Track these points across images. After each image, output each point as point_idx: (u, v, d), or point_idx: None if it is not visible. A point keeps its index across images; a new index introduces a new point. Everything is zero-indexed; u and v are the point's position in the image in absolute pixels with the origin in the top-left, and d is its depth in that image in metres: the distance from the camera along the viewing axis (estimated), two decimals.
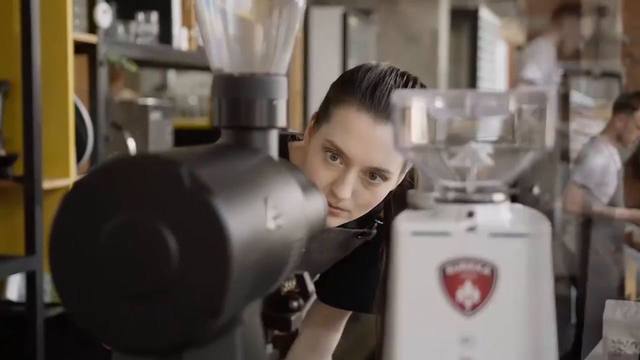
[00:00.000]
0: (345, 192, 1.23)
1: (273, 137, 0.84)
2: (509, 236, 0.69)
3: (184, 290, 0.62)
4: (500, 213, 0.71)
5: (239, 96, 0.82)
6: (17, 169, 2.41)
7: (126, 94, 4.08)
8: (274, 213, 0.72)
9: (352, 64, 5.67)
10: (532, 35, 9.93)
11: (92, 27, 2.68)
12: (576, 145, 4.37)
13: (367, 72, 1.27)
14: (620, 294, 4.25)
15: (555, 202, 4.54)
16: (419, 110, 0.73)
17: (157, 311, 0.62)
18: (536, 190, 4.44)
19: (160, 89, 5.39)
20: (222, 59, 0.84)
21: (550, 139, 0.71)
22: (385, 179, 1.25)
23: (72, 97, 2.52)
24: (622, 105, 4.14)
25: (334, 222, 1.28)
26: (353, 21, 4.78)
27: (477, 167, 0.73)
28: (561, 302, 4.71)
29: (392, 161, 1.24)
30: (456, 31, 7.03)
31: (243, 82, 0.83)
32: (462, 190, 0.72)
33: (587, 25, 9.43)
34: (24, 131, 2.37)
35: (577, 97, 4.69)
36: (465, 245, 0.69)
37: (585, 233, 4.25)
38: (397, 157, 1.24)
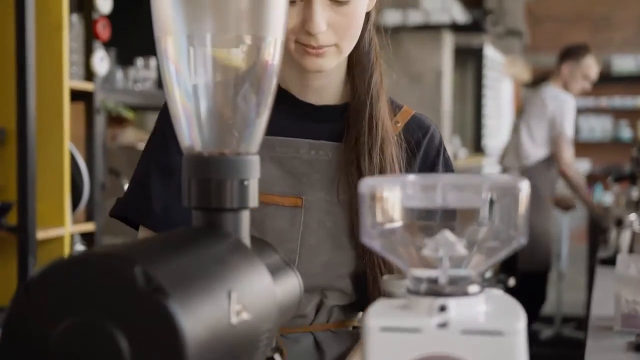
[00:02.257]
0: (317, 25, 1.13)
1: (245, 218, 0.81)
2: (482, 334, 0.66)
3: None
4: (474, 307, 0.68)
5: (209, 177, 0.80)
6: (11, 218, 2.39)
7: (131, 134, 4.07)
8: (239, 307, 0.69)
9: None
10: (537, 72, 9.97)
11: (90, 75, 2.67)
12: None
13: None
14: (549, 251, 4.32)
15: None
16: (388, 198, 0.70)
17: None
18: None
19: None
20: (192, 137, 0.82)
21: (523, 230, 0.68)
22: None
23: (67, 145, 2.51)
24: (568, 54, 4.26)
25: (326, 63, 1.18)
26: None
27: (450, 257, 0.70)
28: None
29: None
30: (461, 69, 7.03)
31: (213, 162, 0.80)
32: (435, 280, 0.70)
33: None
34: (18, 180, 2.36)
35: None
36: (436, 343, 0.66)
37: (530, 177, 4.33)
38: None
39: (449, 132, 5.94)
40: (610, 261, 2.78)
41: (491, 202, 0.69)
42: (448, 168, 1.27)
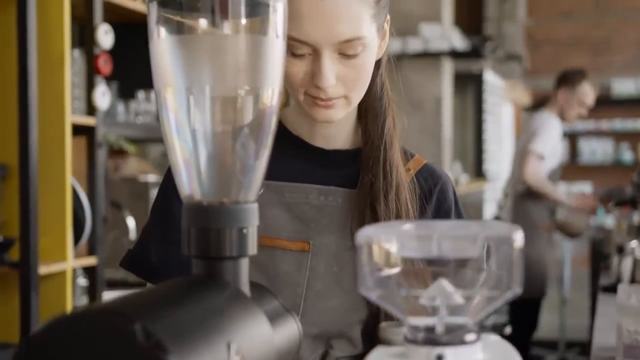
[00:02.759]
0: (326, 79, 1.12)
1: (244, 266, 0.82)
2: None
3: None
4: (471, 355, 0.69)
5: (209, 226, 0.81)
6: (13, 253, 2.40)
7: (133, 165, 4.09)
8: (237, 358, 0.70)
9: None
10: (537, 96, 10.01)
11: (91, 109, 2.69)
12: None
13: None
14: (544, 278, 4.30)
15: None
16: (385, 248, 0.71)
17: None
18: None
19: (167, 156, 5.41)
20: (191, 186, 0.83)
21: (519, 279, 0.69)
22: (362, 46, 1.13)
23: (69, 180, 2.52)
24: (564, 80, 4.27)
25: (335, 114, 1.17)
26: None
27: (446, 306, 0.71)
28: None
29: (359, 25, 1.12)
30: (461, 94, 7.07)
31: (212, 211, 0.81)
32: (432, 329, 0.70)
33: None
34: (21, 216, 2.37)
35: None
36: None
37: (523, 204, 4.28)
38: (363, 17, 1.12)
39: (450, 157, 5.96)
40: (612, 288, 2.78)
41: (487, 252, 0.70)
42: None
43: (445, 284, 0.71)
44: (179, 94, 0.81)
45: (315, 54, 1.12)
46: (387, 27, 1.23)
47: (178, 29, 0.81)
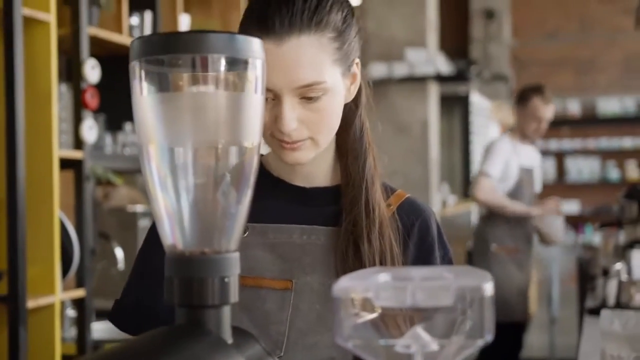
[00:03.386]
0: (287, 124, 1.14)
1: (226, 314, 0.85)
2: None
3: None
4: None
5: (191, 275, 0.83)
6: (1, 287, 2.41)
7: (123, 193, 4.10)
8: None
9: None
10: None
11: (79, 143, 2.71)
12: None
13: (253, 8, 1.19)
14: (520, 302, 4.25)
15: None
16: (360, 299, 0.73)
17: None
18: None
19: None
20: (174, 236, 0.85)
21: (490, 326, 0.72)
22: (323, 90, 1.15)
23: (57, 214, 2.54)
24: (517, 99, 4.29)
25: (303, 155, 1.19)
26: None
27: (422, 353, 0.73)
28: None
29: (319, 70, 1.14)
30: (447, 116, 7.12)
31: (195, 261, 0.84)
32: None
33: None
34: (9, 249, 2.38)
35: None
36: None
37: (483, 228, 4.25)
38: (324, 62, 1.14)
39: (437, 179, 6.00)
40: (598, 311, 2.80)
41: (459, 301, 0.72)
42: (446, 255, 1.29)
43: (420, 331, 0.74)
44: (161, 149, 0.84)
45: (277, 98, 1.15)
46: (356, 69, 1.24)
47: (160, 87, 0.84)
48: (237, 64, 0.84)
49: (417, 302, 0.73)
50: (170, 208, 0.85)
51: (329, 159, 1.28)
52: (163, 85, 0.84)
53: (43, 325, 2.50)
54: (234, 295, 0.84)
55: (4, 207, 2.44)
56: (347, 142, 1.26)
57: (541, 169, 4.45)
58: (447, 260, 1.31)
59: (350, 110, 1.26)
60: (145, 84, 0.83)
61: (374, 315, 0.75)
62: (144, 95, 0.83)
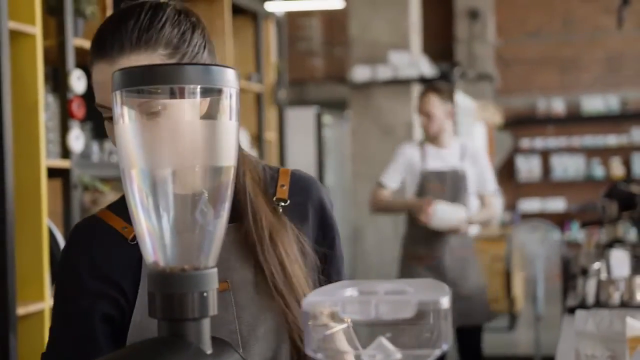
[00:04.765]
0: None
1: (205, 326, 0.91)
2: None
3: None
4: None
5: (172, 291, 0.89)
6: None
7: (111, 198, 4.14)
8: None
9: (327, 159, 5.80)
10: (509, 114, 10.17)
11: (66, 152, 2.76)
12: None
13: (100, 25, 1.23)
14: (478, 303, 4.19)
15: None
16: (328, 313, 0.79)
17: None
18: None
19: None
20: (155, 254, 0.91)
21: (447, 336, 0.78)
22: (162, 106, 1.14)
23: (45, 222, 2.59)
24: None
25: None
26: (327, 119, 4.90)
27: None
28: None
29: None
30: None
31: (175, 278, 0.89)
32: None
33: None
34: None
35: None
36: None
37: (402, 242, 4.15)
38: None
39: None
40: (577, 309, 2.85)
41: (419, 314, 0.79)
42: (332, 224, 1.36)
43: (384, 342, 0.80)
44: (142, 172, 0.90)
45: None
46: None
47: (140, 115, 0.90)
48: (212, 93, 0.90)
49: (381, 315, 0.79)
50: (151, 227, 0.91)
51: None
52: (143, 113, 0.90)
53: (33, 332, 2.54)
54: (212, 308, 0.90)
55: None
56: None
57: (476, 168, 4.08)
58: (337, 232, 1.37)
59: None
60: (126, 112, 0.89)
61: (341, 327, 0.81)
62: (125, 122, 0.89)
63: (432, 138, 4.06)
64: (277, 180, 1.34)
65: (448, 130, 4.07)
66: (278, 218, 1.30)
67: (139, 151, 0.89)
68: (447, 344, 0.78)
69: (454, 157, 4.07)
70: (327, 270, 1.35)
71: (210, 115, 0.90)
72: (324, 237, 1.36)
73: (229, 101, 0.90)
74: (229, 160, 0.91)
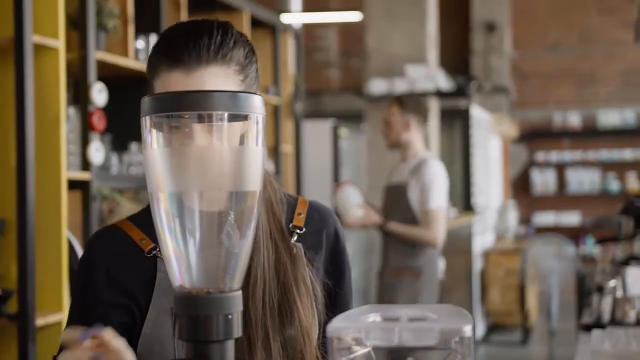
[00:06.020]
0: None
1: (230, 348, 0.92)
2: None
3: None
4: None
5: (197, 313, 0.91)
6: (12, 305, 2.48)
7: (128, 207, 4.17)
8: None
9: (343, 172, 5.81)
10: (525, 127, 10.15)
11: (86, 164, 2.79)
12: None
13: (164, 33, 1.25)
14: None
15: None
16: (352, 339, 0.81)
17: None
18: None
19: None
20: (182, 277, 0.93)
21: None
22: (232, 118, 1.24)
23: (65, 233, 2.61)
24: None
25: None
26: (344, 132, 4.91)
27: None
28: None
29: None
30: (448, 130, 7.19)
31: (200, 300, 0.91)
32: None
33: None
34: (19, 269, 2.45)
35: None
36: None
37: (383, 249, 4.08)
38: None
39: None
40: (592, 327, 2.84)
41: (442, 342, 0.80)
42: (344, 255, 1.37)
43: None
44: (170, 196, 0.92)
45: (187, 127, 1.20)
46: None
47: (169, 140, 0.92)
48: (238, 119, 0.92)
49: (404, 342, 0.80)
50: (177, 250, 0.93)
51: None
52: (171, 138, 0.92)
53: (51, 343, 2.57)
54: (237, 330, 0.92)
55: (15, 228, 2.51)
56: None
57: (420, 183, 3.93)
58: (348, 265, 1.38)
59: None
60: (154, 138, 0.91)
61: (364, 352, 0.82)
62: (153, 147, 0.91)
63: (391, 147, 4.09)
64: (295, 208, 1.36)
65: (411, 145, 4.04)
66: (288, 246, 1.31)
67: (167, 175, 0.91)
68: None
69: (405, 171, 4.03)
70: (335, 302, 1.34)
71: (237, 140, 0.92)
72: (335, 269, 1.36)
73: (256, 127, 0.92)
74: (254, 185, 0.93)
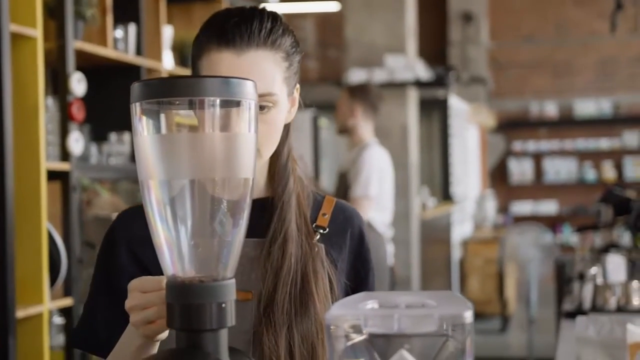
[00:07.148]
0: None
1: (223, 337, 0.91)
2: None
3: None
4: None
5: (190, 302, 0.89)
6: None
7: (106, 199, 4.13)
8: None
9: (323, 162, 5.81)
10: (502, 117, 10.19)
11: (65, 155, 2.76)
12: None
13: (213, 16, 1.27)
14: None
15: None
16: (350, 326, 0.80)
17: None
18: None
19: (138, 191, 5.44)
20: (174, 266, 0.91)
21: (471, 353, 0.79)
22: (273, 103, 1.22)
23: (45, 225, 2.58)
24: None
25: None
26: (323, 122, 4.90)
27: None
28: None
29: (271, 82, 1.21)
30: (426, 120, 7.20)
31: (193, 289, 0.90)
32: None
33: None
34: None
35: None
36: None
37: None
38: (276, 77, 1.22)
39: (417, 183, 6.07)
40: (574, 315, 2.85)
41: (441, 328, 0.79)
42: (367, 256, 1.36)
43: (405, 354, 0.81)
44: (160, 184, 0.90)
45: None
46: (297, 94, 1.31)
47: (159, 127, 0.90)
48: (230, 105, 0.90)
49: (403, 329, 0.79)
50: (170, 238, 0.91)
51: (264, 171, 1.31)
52: (162, 125, 0.90)
53: (32, 335, 2.54)
54: (230, 319, 0.90)
55: None
56: (277, 166, 1.31)
57: (359, 171, 3.92)
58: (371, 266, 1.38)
59: (282, 136, 1.30)
60: (145, 124, 0.89)
61: (362, 339, 0.81)
62: (144, 134, 0.89)
63: (339, 133, 4.13)
64: (321, 206, 1.35)
65: (356, 132, 4.06)
66: (310, 242, 1.30)
67: (157, 162, 0.90)
68: (471, 358, 0.79)
69: (350, 158, 4.07)
70: None
71: (229, 127, 0.91)
72: (359, 270, 1.36)
73: (248, 113, 0.90)
74: (247, 171, 0.91)
